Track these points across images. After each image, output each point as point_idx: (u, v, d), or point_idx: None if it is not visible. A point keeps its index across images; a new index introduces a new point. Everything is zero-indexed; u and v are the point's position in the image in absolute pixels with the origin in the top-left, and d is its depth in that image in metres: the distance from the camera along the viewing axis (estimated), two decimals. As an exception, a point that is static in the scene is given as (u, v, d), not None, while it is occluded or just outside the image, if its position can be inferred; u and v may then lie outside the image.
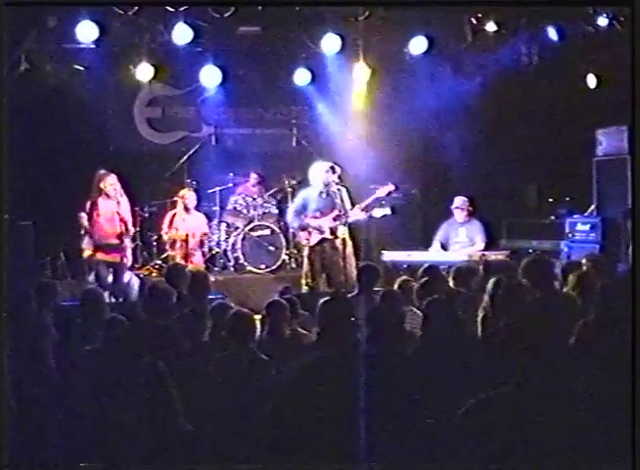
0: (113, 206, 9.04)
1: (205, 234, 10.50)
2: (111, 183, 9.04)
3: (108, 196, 9.02)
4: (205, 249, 10.62)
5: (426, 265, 7.31)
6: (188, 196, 10.32)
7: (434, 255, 9.85)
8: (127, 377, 4.84)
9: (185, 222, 10.23)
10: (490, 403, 4.35)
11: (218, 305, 6.08)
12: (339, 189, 9.52)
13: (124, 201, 9.20)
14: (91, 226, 9.00)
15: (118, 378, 4.88)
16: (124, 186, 9.70)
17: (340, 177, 9.59)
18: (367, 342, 4.79)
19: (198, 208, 10.75)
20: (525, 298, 5.83)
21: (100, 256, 9.06)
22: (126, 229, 9.13)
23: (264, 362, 5.21)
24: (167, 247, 10.33)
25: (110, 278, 9.05)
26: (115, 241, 9.08)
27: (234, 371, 5.16)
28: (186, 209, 10.28)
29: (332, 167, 9.46)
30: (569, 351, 4.95)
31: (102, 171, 9.12)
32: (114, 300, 8.50)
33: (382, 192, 9.57)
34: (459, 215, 10.36)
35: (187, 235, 10.16)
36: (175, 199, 10.48)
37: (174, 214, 10.32)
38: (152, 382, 4.69)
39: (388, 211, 9.62)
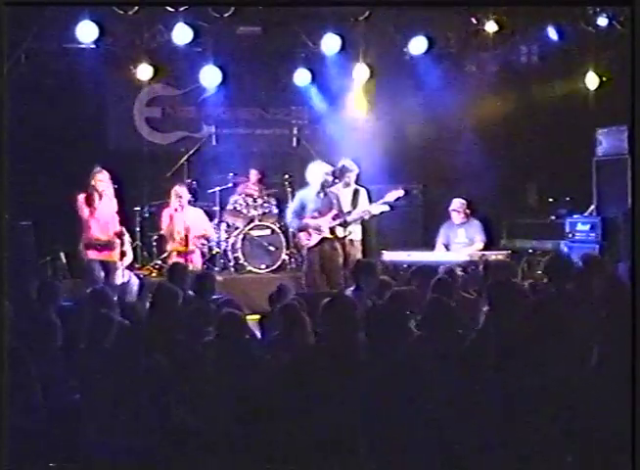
0: (104, 203, 9.02)
1: (202, 234, 10.44)
2: (99, 180, 9.01)
3: (98, 193, 8.99)
4: (202, 245, 10.59)
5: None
6: (180, 192, 10.25)
7: (433, 255, 9.85)
8: (129, 377, 4.84)
9: (179, 219, 10.17)
10: (492, 405, 4.36)
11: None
12: (356, 190, 9.62)
13: (113, 199, 9.18)
14: (84, 223, 8.98)
15: (120, 378, 4.88)
16: (124, 186, 9.70)
17: (357, 177, 9.73)
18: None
19: (195, 204, 10.74)
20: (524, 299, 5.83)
21: (92, 254, 9.04)
22: (118, 227, 9.13)
23: (264, 362, 5.21)
24: (168, 242, 10.27)
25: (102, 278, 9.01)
26: (107, 239, 9.06)
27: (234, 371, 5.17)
28: (180, 205, 10.21)
29: (332, 170, 9.52)
30: (569, 350, 4.95)
31: (97, 168, 9.10)
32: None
33: (391, 197, 9.59)
34: (456, 218, 10.34)
35: (181, 231, 10.11)
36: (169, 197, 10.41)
37: (171, 211, 10.27)
38: (154, 382, 4.69)
39: (386, 207, 9.63)
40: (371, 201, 9.81)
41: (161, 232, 10.39)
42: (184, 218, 10.10)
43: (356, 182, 9.99)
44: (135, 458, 4.68)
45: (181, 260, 9.79)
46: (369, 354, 4.81)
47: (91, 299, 6.25)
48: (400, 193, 9.63)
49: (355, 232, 9.73)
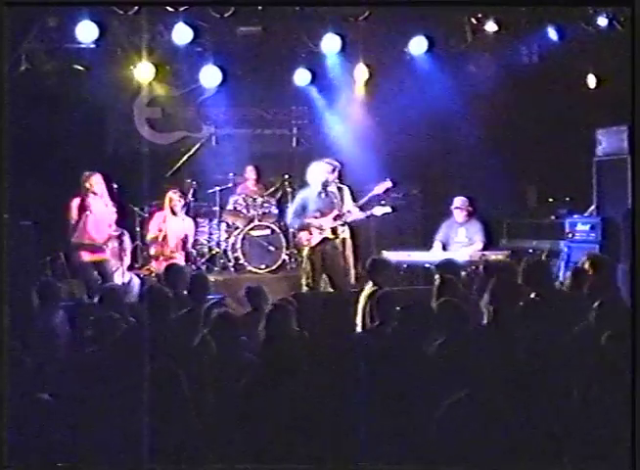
0: (100, 205, 9.06)
1: (186, 237, 10.40)
2: (96, 182, 9.05)
3: (95, 195, 9.04)
4: (189, 250, 10.59)
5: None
6: (174, 198, 10.24)
7: (433, 255, 9.84)
8: (129, 377, 4.84)
9: (170, 225, 10.15)
10: (490, 403, 4.36)
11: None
12: (340, 188, 9.50)
13: (108, 201, 9.23)
14: (79, 226, 9.02)
15: (120, 378, 4.88)
16: (124, 186, 9.71)
17: (340, 175, 9.59)
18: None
19: (195, 209, 10.73)
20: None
21: (86, 256, 9.07)
22: (114, 228, 9.18)
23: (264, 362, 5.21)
24: (149, 247, 10.26)
25: (97, 278, 9.03)
26: (102, 241, 9.10)
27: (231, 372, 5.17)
28: (173, 212, 10.19)
29: (333, 169, 9.47)
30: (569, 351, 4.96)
31: (87, 172, 9.14)
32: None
33: (379, 189, 9.56)
34: (459, 216, 10.36)
35: (166, 237, 10.12)
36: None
37: (163, 215, 10.27)
38: (155, 382, 4.69)
39: (388, 209, 9.61)
40: (354, 198, 9.73)
41: (149, 235, 10.34)
42: (174, 224, 10.11)
43: (341, 180, 9.93)
44: (136, 459, 4.67)
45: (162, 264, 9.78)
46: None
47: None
48: (388, 184, 9.60)
49: (345, 231, 9.68)
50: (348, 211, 9.41)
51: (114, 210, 9.35)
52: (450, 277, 6.73)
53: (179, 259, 10.14)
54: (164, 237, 10.14)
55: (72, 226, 9.03)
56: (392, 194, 10.09)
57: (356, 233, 10.12)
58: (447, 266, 7.34)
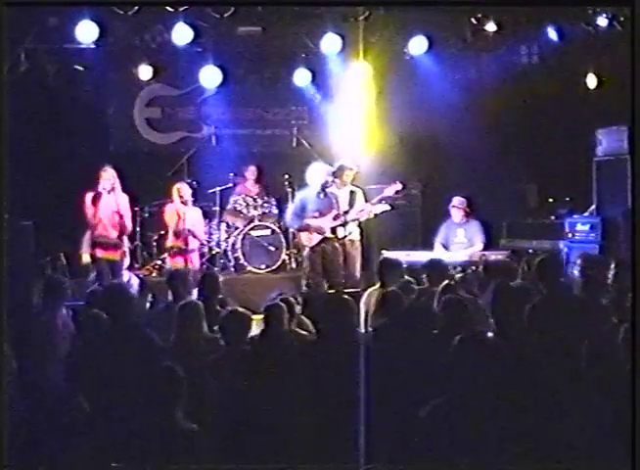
0: (111, 202, 9.04)
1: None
2: (106, 178, 9.02)
3: (105, 191, 9.02)
4: (202, 245, 10.60)
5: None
6: (184, 189, 10.19)
7: (433, 255, 9.83)
8: (130, 377, 4.84)
9: (185, 216, 10.12)
10: (489, 402, 4.36)
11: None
12: (352, 191, 9.54)
13: (123, 197, 9.20)
14: (91, 222, 9.01)
15: (121, 378, 4.88)
16: (124, 186, 9.71)
17: (354, 177, 9.64)
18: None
19: (195, 204, 10.72)
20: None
21: (99, 253, 9.07)
22: (124, 226, 9.16)
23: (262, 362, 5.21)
24: (171, 238, 10.16)
25: (109, 276, 9.03)
26: (114, 238, 9.10)
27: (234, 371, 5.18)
28: (183, 202, 10.14)
29: (333, 171, 9.49)
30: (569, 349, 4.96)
31: (105, 167, 9.14)
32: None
33: (389, 191, 9.58)
34: (456, 215, 10.34)
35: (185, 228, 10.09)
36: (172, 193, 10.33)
37: (176, 207, 10.21)
38: (156, 382, 4.69)
39: (387, 207, 9.62)
40: (367, 201, 9.75)
41: (171, 228, 10.20)
42: (188, 216, 10.09)
43: (353, 183, 9.94)
44: (134, 459, 4.67)
45: (180, 259, 9.79)
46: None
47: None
48: (398, 187, 9.61)
49: (354, 232, 9.70)
50: (361, 210, 9.44)
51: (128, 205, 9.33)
52: (459, 275, 6.75)
53: (195, 252, 10.12)
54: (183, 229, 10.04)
55: (87, 222, 9.02)
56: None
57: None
58: (433, 267, 7.31)
